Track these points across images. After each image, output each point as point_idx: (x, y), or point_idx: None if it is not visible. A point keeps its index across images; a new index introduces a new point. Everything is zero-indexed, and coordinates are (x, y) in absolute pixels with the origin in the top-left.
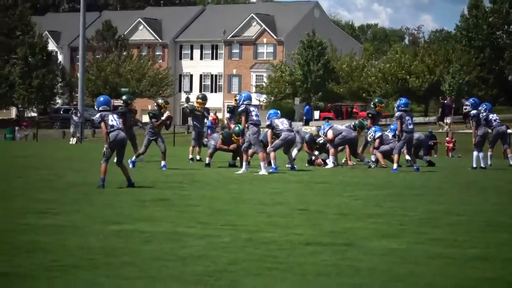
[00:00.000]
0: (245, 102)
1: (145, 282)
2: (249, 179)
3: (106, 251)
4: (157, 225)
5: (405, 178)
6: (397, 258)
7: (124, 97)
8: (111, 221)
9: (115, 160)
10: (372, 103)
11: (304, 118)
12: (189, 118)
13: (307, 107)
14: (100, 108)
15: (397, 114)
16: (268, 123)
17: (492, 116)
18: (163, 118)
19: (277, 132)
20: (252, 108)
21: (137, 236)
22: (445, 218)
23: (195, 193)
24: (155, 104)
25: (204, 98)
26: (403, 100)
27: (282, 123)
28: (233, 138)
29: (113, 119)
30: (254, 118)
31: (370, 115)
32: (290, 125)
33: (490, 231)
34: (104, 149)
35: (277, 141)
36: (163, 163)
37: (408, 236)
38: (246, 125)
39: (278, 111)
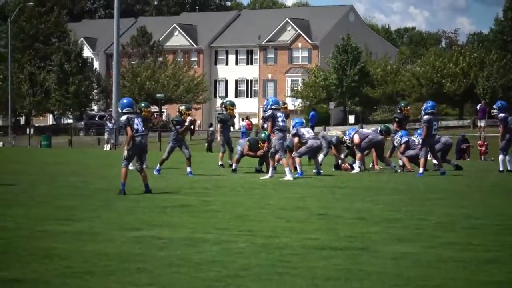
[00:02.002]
0: (272, 107)
1: None
2: (274, 185)
3: (121, 257)
4: (175, 231)
5: (429, 182)
6: (409, 262)
7: (142, 104)
8: (130, 227)
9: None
10: (398, 107)
11: (310, 124)
12: (218, 125)
13: (312, 112)
14: (124, 110)
15: (425, 118)
16: (293, 131)
17: None
18: (186, 124)
19: (303, 141)
20: (279, 114)
21: (154, 242)
22: (462, 222)
23: (218, 199)
24: (177, 111)
25: (234, 105)
26: (429, 103)
27: (308, 132)
28: (259, 144)
29: (138, 123)
30: (280, 123)
31: (396, 119)
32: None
33: (506, 235)
34: (125, 153)
35: (302, 148)
36: (188, 169)
37: (423, 240)
38: (272, 131)
39: (304, 120)
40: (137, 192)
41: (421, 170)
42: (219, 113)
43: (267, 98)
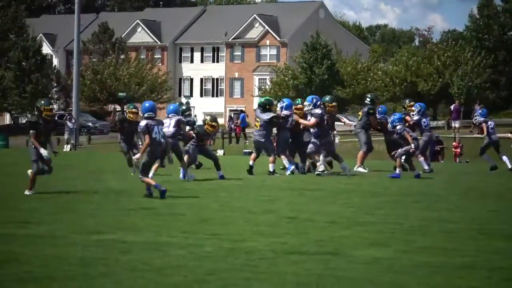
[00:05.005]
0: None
1: None
2: (241, 187)
3: (83, 262)
4: (139, 235)
5: (403, 185)
6: (382, 267)
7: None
8: (92, 230)
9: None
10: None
11: (241, 126)
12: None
13: (242, 115)
14: (146, 115)
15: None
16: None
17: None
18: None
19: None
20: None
21: (117, 246)
22: (437, 226)
23: (183, 201)
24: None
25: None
26: (397, 116)
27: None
28: (206, 127)
29: (157, 132)
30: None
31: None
32: None
33: (481, 239)
34: (136, 161)
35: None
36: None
37: (396, 245)
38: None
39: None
40: (98, 194)
41: (397, 171)
42: (197, 125)
43: (282, 100)
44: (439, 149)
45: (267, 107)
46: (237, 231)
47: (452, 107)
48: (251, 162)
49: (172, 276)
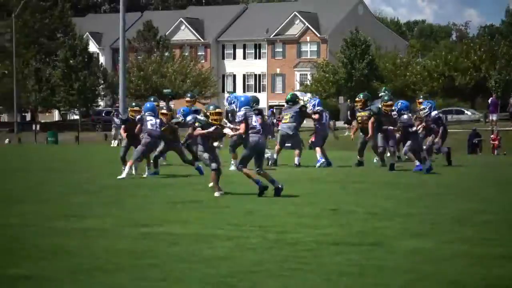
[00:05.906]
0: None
1: (168, 284)
2: (283, 180)
3: (132, 254)
4: (186, 227)
5: (441, 178)
6: (423, 257)
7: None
8: (140, 223)
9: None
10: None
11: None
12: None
13: (271, 110)
14: (242, 109)
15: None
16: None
17: None
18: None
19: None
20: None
21: (164, 239)
22: (477, 217)
23: (228, 194)
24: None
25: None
26: (404, 104)
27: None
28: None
29: (256, 121)
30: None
31: None
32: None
33: None
34: (243, 152)
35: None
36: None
37: (437, 235)
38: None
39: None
40: (145, 188)
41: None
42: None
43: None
44: (477, 141)
45: (296, 100)
46: (281, 223)
47: (489, 100)
48: (275, 155)
49: (219, 267)
